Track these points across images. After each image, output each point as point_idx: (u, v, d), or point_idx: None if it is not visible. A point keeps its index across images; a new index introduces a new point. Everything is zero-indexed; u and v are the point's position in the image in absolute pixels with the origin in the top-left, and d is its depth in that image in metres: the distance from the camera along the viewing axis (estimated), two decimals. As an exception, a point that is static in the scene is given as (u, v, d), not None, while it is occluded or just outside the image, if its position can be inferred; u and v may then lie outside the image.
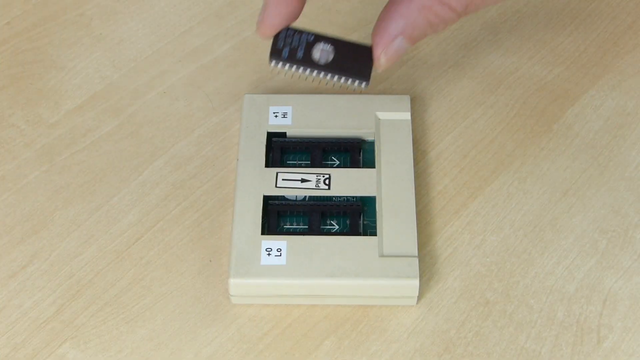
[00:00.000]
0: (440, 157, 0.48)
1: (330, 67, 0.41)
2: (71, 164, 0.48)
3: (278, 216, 0.45)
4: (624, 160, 0.48)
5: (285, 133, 0.48)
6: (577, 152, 0.48)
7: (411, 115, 0.49)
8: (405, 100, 0.49)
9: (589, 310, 0.43)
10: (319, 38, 0.42)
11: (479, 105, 0.50)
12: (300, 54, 0.41)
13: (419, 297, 0.43)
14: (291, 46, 0.41)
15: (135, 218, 0.46)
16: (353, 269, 0.42)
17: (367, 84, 0.41)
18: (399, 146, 0.47)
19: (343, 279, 0.42)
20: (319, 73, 0.41)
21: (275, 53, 0.41)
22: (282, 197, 0.45)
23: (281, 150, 0.47)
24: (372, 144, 0.47)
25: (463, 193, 0.47)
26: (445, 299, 0.43)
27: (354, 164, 0.47)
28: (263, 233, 0.44)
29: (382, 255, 0.43)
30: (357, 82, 0.41)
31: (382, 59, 0.41)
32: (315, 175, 0.46)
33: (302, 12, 0.41)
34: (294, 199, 0.45)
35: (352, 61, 0.41)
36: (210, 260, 0.45)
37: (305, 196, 0.45)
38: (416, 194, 0.46)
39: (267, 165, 0.46)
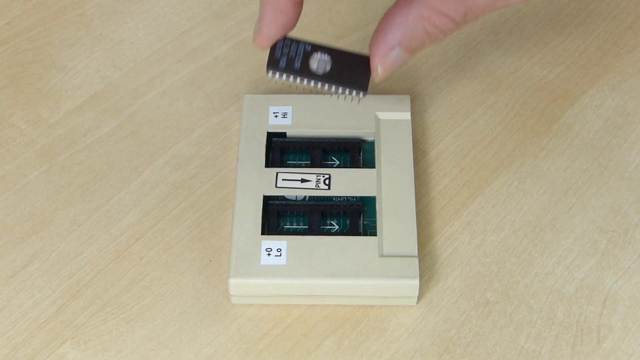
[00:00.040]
0: (440, 157, 0.48)
1: (327, 77, 0.41)
2: (71, 164, 0.48)
3: (278, 216, 0.45)
4: (624, 160, 0.48)
5: (285, 133, 0.48)
6: (577, 152, 0.48)
7: (411, 115, 0.49)
8: (405, 100, 0.49)
9: (589, 311, 0.43)
10: (316, 48, 0.41)
11: (479, 105, 0.50)
12: (297, 64, 0.41)
13: (419, 297, 0.43)
14: (288, 56, 0.41)
15: (135, 218, 0.46)
16: (353, 269, 0.42)
17: (364, 94, 0.41)
18: (399, 146, 0.47)
19: (343, 279, 0.42)
20: (316, 83, 0.41)
21: (273, 63, 0.41)
22: (282, 197, 0.45)
23: (281, 150, 0.47)
24: (372, 144, 0.47)
25: (463, 193, 0.47)
26: (445, 299, 0.43)
27: (354, 164, 0.47)
28: (263, 233, 0.44)
29: (382, 255, 0.43)
30: (354, 92, 0.41)
31: (379, 70, 0.41)
32: (315, 175, 0.46)
33: (302, 12, 0.41)
34: (294, 199, 0.45)
35: (350, 71, 0.41)
36: (210, 260, 0.45)
37: (305, 196, 0.45)
38: (416, 194, 0.46)
39: (267, 165, 0.46)
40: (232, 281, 0.42)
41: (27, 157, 0.48)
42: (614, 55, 0.53)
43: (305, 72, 0.41)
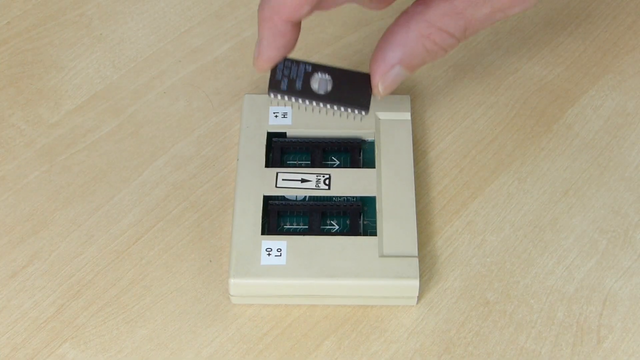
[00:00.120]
0: (440, 157, 0.48)
1: (329, 97, 0.41)
2: (71, 164, 0.48)
3: (278, 216, 0.45)
4: (624, 161, 0.48)
5: (285, 133, 0.48)
6: (577, 152, 0.48)
7: (411, 115, 0.49)
8: (405, 100, 0.49)
9: (589, 311, 0.43)
10: (316, 68, 0.42)
11: (479, 105, 0.50)
12: (298, 85, 0.41)
13: (419, 297, 0.43)
14: (289, 77, 0.41)
15: (136, 218, 0.46)
16: (353, 269, 0.42)
17: (367, 113, 0.42)
18: (399, 146, 0.47)
19: (343, 279, 0.42)
20: (318, 103, 0.42)
21: (274, 85, 0.41)
22: (282, 197, 0.45)
23: (281, 150, 0.47)
24: (372, 144, 0.47)
25: (463, 193, 0.47)
26: (446, 299, 0.43)
27: (354, 164, 0.47)
28: (263, 233, 0.44)
29: (382, 256, 0.43)
30: (356, 111, 0.42)
31: (380, 88, 0.41)
32: (315, 175, 0.46)
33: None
34: (294, 199, 0.45)
35: (351, 90, 0.42)
36: (210, 261, 0.45)
37: (306, 196, 0.45)
38: (416, 194, 0.46)
39: (267, 166, 0.46)
40: (232, 281, 0.42)
41: (27, 157, 0.48)
42: (614, 56, 0.53)
43: (307, 92, 0.41)
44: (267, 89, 0.42)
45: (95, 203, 0.47)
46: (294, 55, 0.42)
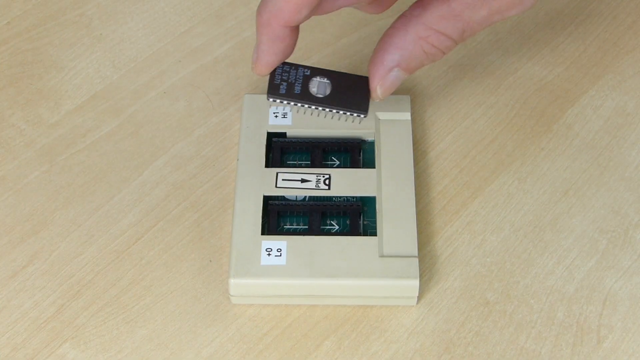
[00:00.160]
0: (440, 157, 0.48)
1: (328, 101, 0.42)
2: (71, 164, 0.48)
3: (278, 216, 0.45)
4: (624, 161, 0.48)
5: (285, 133, 0.48)
6: (577, 152, 0.48)
7: (411, 115, 0.49)
8: (405, 100, 0.49)
9: (589, 311, 0.43)
10: (315, 72, 0.42)
11: (479, 106, 0.50)
12: (297, 88, 0.42)
13: (419, 298, 0.43)
14: (288, 81, 0.42)
15: (136, 218, 0.46)
16: (353, 269, 0.42)
17: (365, 116, 0.42)
18: (399, 146, 0.47)
19: (343, 279, 0.42)
20: (317, 107, 0.42)
21: (273, 89, 0.42)
22: (282, 197, 0.45)
23: (281, 150, 0.47)
24: (372, 144, 0.47)
25: (463, 193, 0.47)
26: (446, 299, 0.43)
27: (354, 164, 0.47)
28: (263, 233, 0.44)
29: (382, 256, 0.43)
30: (355, 114, 0.42)
31: (378, 91, 0.42)
32: (315, 175, 0.46)
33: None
34: (294, 199, 0.45)
35: (350, 93, 0.42)
36: (210, 261, 0.45)
37: (305, 196, 0.45)
38: (416, 194, 0.46)
39: (267, 166, 0.46)
40: (232, 281, 0.42)
41: (27, 157, 0.48)
42: (614, 56, 0.53)
43: (305, 96, 0.42)
44: (266, 93, 0.42)
45: (95, 203, 0.47)
46: (293, 55, 0.42)
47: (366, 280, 0.42)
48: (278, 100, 0.42)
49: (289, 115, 0.48)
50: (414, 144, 0.48)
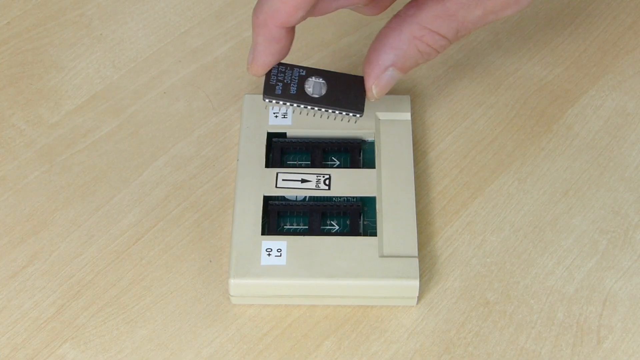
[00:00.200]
0: (440, 158, 0.48)
1: (324, 101, 0.42)
2: (71, 164, 0.48)
3: (278, 216, 0.45)
4: (624, 161, 0.48)
5: (285, 133, 0.48)
6: (577, 152, 0.48)
7: (411, 115, 0.49)
8: (405, 100, 0.49)
9: (589, 311, 0.43)
10: (310, 72, 0.42)
11: (479, 106, 0.50)
12: (293, 89, 0.42)
13: (419, 298, 0.43)
14: (284, 82, 0.42)
15: (136, 218, 0.46)
16: (353, 270, 0.42)
17: (361, 115, 0.42)
18: (399, 146, 0.47)
19: (343, 279, 0.42)
20: (313, 107, 0.42)
21: (269, 90, 0.42)
22: (282, 198, 0.45)
23: (281, 150, 0.47)
24: (372, 144, 0.47)
25: (463, 193, 0.47)
26: (446, 300, 0.43)
27: (354, 164, 0.47)
28: (263, 233, 0.44)
29: (382, 256, 0.43)
30: (351, 113, 0.42)
31: (374, 91, 0.42)
32: (315, 175, 0.46)
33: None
34: (294, 199, 0.45)
35: (345, 93, 0.42)
36: (210, 261, 0.45)
37: (306, 196, 0.45)
38: (416, 195, 0.46)
39: (267, 166, 0.46)
40: (232, 281, 0.42)
41: (28, 157, 0.48)
42: (614, 56, 0.53)
43: (301, 96, 0.42)
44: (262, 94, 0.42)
45: (95, 203, 0.47)
46: (294, 55, 0.42)
47: (366, 281, 0.42)
48: (274, 101, 0.42)
49: (289, 115, 0.48)
50: (414, 144, 0.48)
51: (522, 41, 0.53)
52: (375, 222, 0.44)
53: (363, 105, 0.42)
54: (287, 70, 0.42)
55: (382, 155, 0.46)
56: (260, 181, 0.45)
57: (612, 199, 0.47)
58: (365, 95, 0.42)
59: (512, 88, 0.51)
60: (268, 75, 0.42)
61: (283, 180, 0.45)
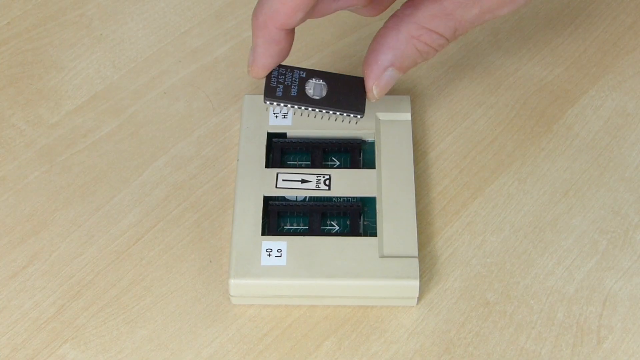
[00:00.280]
0: (440, 158, 0.48)
1: (324, 102, 0.42)
2: (71, 164, 0.48)
3: (278, 217, 0.45)
4: (624, 161, 0.48)
5: (285, 134, 0.48)
6: (577, 152, 0.48)
7: (411, 115, 0.49)
8: (406, 100, 0.49)
9: (589, 311, 0.43)
10: (310, 74, 0.42)
11: (479, 106, 0.50)
12: (294, 91, 0.42)
13: (419, 298, 0.43)
14: (284, 84, 0.42)
15: (136, 219, 0.46)
16: (353, 270, 0.42)
17: (362, 116, 0.42)
18: (399, 147, 0.47)
19: (343, 279, 0.42)
20: (314, 109, 0.42)
21: (270, 92, 0.42)
22: (283, 198, 0.45)
23: (281, 150, 0.47)
24: (372, 144, 0.47)
25: (463, 194, 0.47)
26: (446, 300, 0.43)
27: (354, 164, 0.47)
28: (263, 234, 0.44)
29: (382, 256, 0.43)
30: (352, 114, 0.42)
31: (374, 91, 0.42)
32: (315, 175, 0.46)
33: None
34: (294, 199, 0.45)
35: (346, 94, 0.42)
36: (211, 261, 0.45)
37: (306, 197, 0.45)
38: (416, 195, 0.46)
39: (267, 166, 0.46)
40: (233, 282, 0.42)
41: (28, 157, 0.48)
42: (614, 56, 0.53)
43: (302, 98, 0.42)
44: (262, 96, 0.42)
45: (96, 203, 0.47)
46: (294, 56, 0.42)
47: (366, 281, 0.42)
48: (275, 103, 0.42)
49: (289, 115, 0.48)
50: (414, 145, 0.48)
51: (522, 41, 0.53)
52: (375, 223, 0.44)
53: (364, 106, 0.42)
54: (287, 72, 0.42)
55: (382, 155, 0.46)
56: (260, 181, 0.45)
57: (612, 199, 0.47)
58: (365, 96, 0.42)
59: (512, 88, 0.51)
60: (268, 77, 0.42)
61: (283, 180, 0.45)
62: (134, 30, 0.54)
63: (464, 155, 0.48)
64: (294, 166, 0.47)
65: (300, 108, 0.42)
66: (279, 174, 0.46)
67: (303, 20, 0.40)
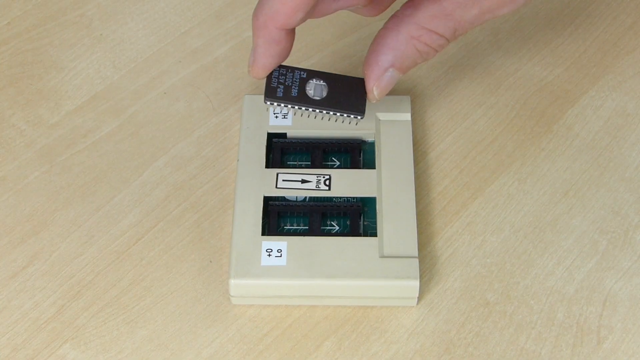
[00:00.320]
0: (440, 158, 0.48)
1: (325, 103, 0.42)
2: (71, 164, 0.48)
3: (278, 217, 0.45)
4: (624, 161, 0.48)
5: (285, 134, 0.48)
6: (577, 152, 0.48)
7: (411, 116, 0.49)
8: (406, 100, 0.49)
9: (589, 311, 0.43)
10: (311, 74, 0.42)
11: (479, 106, 0.50)
12: (294, 91, 0.42)
13: (419, 298, 0.43)
14: (285, 84, 0.42)
15: (136, 219, 0.46)
16: (353, 270, 0.42)
17: (362, 117, 0.42)
18: (399, 147, 0.47)
19: (343, 279, 0.42)
20: (314, 109, 0.42)
21: (270, 93, 0.42)
22: (283, 198, 0.45)
23: (281, 151, 0.47)
24: (372, 144, 0.47)
25: (463, 194, 0.47)
26: (446, 300, 0.43)
27: (354, 164, 0.47)
28: (263, 234, 0.44)
29: (382, 256, 0.43)
30: (352, 115, 0.42)
31: (375, 92, 0.42)
32: (315, 176, 0.46)
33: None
34: (295, 199, 0.45)
35: (346, 95, 0.42)
36: (211, 261, 0.45)
37: (306, 197, 0.45)
38: (416, 195, 0.46)
39: (267, 166, 0.46)
40: (233, 282, 0.42)
41: (28, 157, 0.48)
42: (614, 56, 0.53)
43: (303, 99, 0.42)
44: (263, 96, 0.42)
45: (96, 204, 0.47)
46: (294, 56, 0.42)
47: (366, 281, 0.42)
48: (275, 104, 0.42)
49: (289, 115, 0.48)
50: (414, 145, 0.48)
51: (522, 41, 0.53)
52: (375, 223, 0.44)
53: (364, 107, 0.42)
54: (288, 73, 0.42)
55: (383, 155, 0.46)
56: (260, 181, 0.45)
57: (612, 200, 0.47)
58: (365, 96, 0.42)
59: (512, 88, 0.51)
60: (269, 77, 0.42)
61: (283, 180, 0.45)
62: (134, 30, 0.54)
63: (464, 156, 0.48)
64: (294, 166, 0.47)
65: (300, 109, 0.42)
66: (279, 174, 0.46)
67: (303, 20, 0.40)
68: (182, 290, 0.44)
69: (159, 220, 0.46)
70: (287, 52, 0.42)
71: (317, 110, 0.42)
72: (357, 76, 0.43)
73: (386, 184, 0.45)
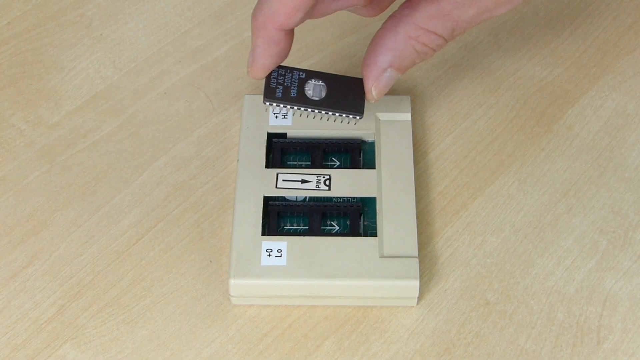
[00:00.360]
0: (440, 158, 0.48)
1: (324, 103, 0.42)
2: (71, 164, 0.48)
3: (278, 217, 0.45)
4: (624, 161, 0.48)
5: (285, 134, 0.48)
6: (577, 152, 0.48)
7: (411, 116, 0.49)
8: (406, 100, 0.49)
9: (589, 311, 0.43)
10: (310, 75, 0.43)
11: (479, 106, 0.50)
12: (293, 92, 0.42)
13: (419, 298, 0.43)
14: (284, 85, 0.42)
15: (136, 219, 0.46)
16: (353, 270, 0.42)
17: (361, 117, 0.43)
18: (399, 147, 0.47)
19: (343, 279, 0.42)
20: (313, 110, 0.42)
21: (269, 93, 0.42)
22: (283, 198, 0.45)
23: (281, 151, 0.47)
24: (372, 144, 0.47)
25: (463, 194, 0.47)
26: (446, 300, 0.43)
27: (354, 164, 0.47)
28: (263, 234, 0.44)
29: (382, 256, 0.43)
30: (351, 116, 0.42)
31: (373, 92, 0.42)
32: (315, 176, 0.46)
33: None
34: (294, 199, 0.45)
35: (345, 95, 0.42)
36: (211, 261, 0.45)
37: (306, 197, 0.45)
38: (416, 195, 0.46)
39: (267, 166, 0.46)
40: (233, 282, 0.42)
41: (28, 157, 0.48)
42: (614, 56, 0.53)
43: (302, 99, 0.42)
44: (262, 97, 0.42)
45: (96, 204, 0.47)
46: (293, 57, 0.42)
47: (366, 281, 0.42)
48: (274, 104, 0.42)
49: (289, 116, 0.48)
50: (414, 145, 0.48)
51: (522, 41, 0.53)
52: (375, 223, 0.44)
53: (363, 107, 0.42)
54: (287, 73, 0.42)
55: (382, 155, 0.46)
56: (260, 181, 0.45)
57: (612, 200, 0.47)
58: (364, 97, 0.43)
59: (512, 88, 0.51)
60: (268, 78, 0.42)
61: (283, 180, 0.45)
62: (134, 30, 0.54)
63: (464, 156, 0.48)
64: (294, 166, 0.47)
65: (299, 109, 0.42)
66: (279, 174, 0.46)
67: (302, 20, 0.40)
68: (182, 290, 0.44)
69: (159, 220, 0.46)
70: (286, 53, 0.42)
71: (316, 111, 0.42)
72: (356, 76, 0.43)
73: (386, 184, 0.45)
